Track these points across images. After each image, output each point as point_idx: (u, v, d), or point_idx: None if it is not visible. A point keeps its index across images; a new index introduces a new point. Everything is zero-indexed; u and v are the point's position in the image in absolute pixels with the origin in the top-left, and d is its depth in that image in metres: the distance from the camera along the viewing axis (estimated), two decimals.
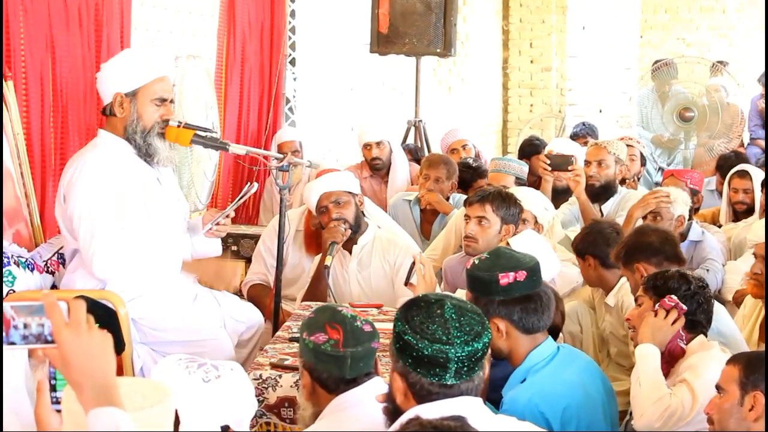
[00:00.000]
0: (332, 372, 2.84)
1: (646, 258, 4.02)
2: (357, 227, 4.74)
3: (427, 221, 6.07)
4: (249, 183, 4.47)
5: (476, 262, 3.21)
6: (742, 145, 9.07)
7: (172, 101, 4.32)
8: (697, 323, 3.38)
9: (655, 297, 3.40)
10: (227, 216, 4.43)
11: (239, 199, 4.44)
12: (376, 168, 6.61)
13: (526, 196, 5.00)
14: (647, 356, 3.30)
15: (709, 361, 3.20)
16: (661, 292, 3.39)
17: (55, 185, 4.65)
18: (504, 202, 4.57)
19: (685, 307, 3.33)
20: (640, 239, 4.13)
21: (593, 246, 4.48)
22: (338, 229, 4.61)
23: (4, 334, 1.87)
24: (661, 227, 4.49)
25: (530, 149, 7.51)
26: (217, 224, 4.40)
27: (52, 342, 1.88)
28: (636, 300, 3.53)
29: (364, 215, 4.87)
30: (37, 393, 2.04)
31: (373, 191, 6.58)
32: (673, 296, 3.35)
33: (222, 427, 2.58)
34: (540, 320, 3.13)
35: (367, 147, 6.63)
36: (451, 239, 5.53)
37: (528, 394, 3.00)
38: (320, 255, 4.71)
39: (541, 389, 3.02)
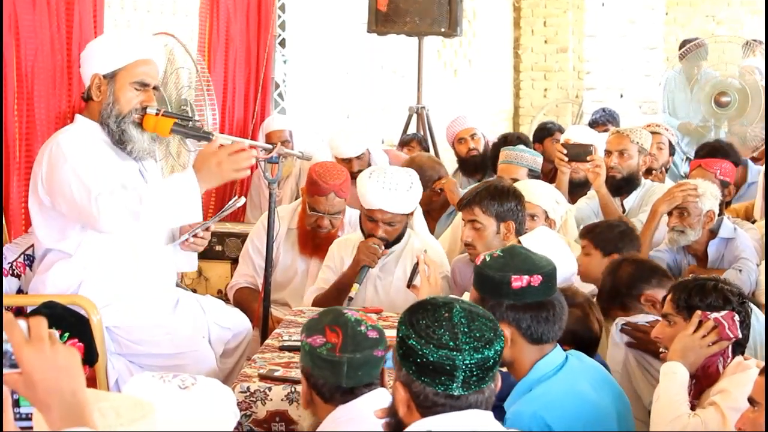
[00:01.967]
0: (328, 379, 2.85)
1: (646, 284, 4.02)
2: (396, 241, 4.73)
3: (432, 219, 6.08)
4: (237, 196, 4.48)
5: (487, 259, 3.15)
6: None
7: (155, 88, 4.30)
8: (737, 344, 3.35)
9: (689, 316, 3.36)
10: (207, 228, 4.42)
11: (222, 212, 4.44)
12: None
13: (535, 189, 4.98)
14: (673, 375, 3.28)
15: (743, 384, 3.16)
16: (699, 310, 3.34)
17: (20, 179, 4.65)
18: (493, 198, 4.49)
19: (740, 335, 3.29)
20: (627, 271, 4.11)
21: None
22: (377, 252, 4.59)
23: None
24: (629, 255, 4.45)
25: (543, 133, 7.54)
26: (195, 236, 4.39)
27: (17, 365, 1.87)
28: (665, 317, 3.47)
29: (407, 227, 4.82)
30: None
31: (354, 200, 6.45)
32: (736, 318, 3.30)
33: None
34: (550, 331, 3.09)
35: (345, 161, 6.51)
36: (458, 237, 5.51)
37: (534, 406, 2.98)
38: (327, 252, 4.80)
39: (548, 401, 2.99)
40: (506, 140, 7.14)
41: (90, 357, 3.97)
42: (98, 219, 3.94)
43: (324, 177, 5.03)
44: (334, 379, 2.84)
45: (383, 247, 4.62)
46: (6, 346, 1.87)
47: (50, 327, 2.66)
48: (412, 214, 4.79)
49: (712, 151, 6.74)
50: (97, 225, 3.98)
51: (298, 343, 3.94)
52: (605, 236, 4.65)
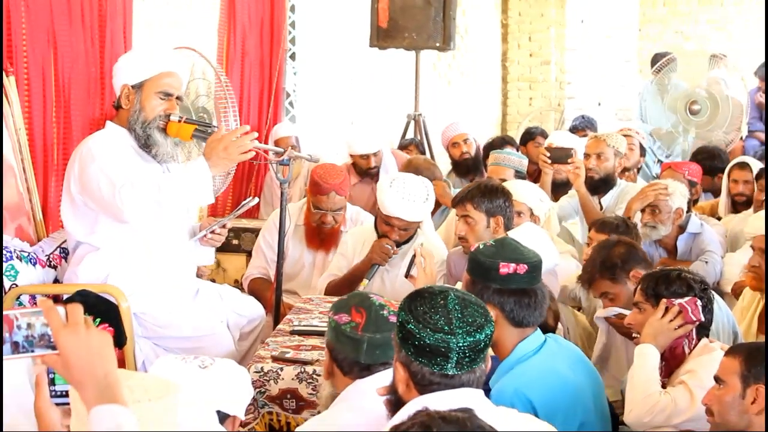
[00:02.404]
0: (348, 354, 2.85)
1: (638, 264, 4.02)
2: (405, 243, 4.73)
3: None
4: (251, 197, 4.48)
5: (481, 247, 3.21)
6: (740, 137, 9.06)
7: (179, 98, 4.30)
8: (701, 327, 3.36)
9: (657, 303, 3.37)
10: (223, 226, 4.42)
11: (237, 210, 4.44)
12: (372, 175, 6.55)
13: (520, 188, 4.99)
14: (646, 355, 3.29)
15: (709, 365, 3.18)
16: (665, 297, 3.35)
17: (57, 180, 4.65)
18: (483, 195, 4.50)
19: (702, 318, 3.31)
20: (624, 248, 4.09)
21: None
22: (389, 252, 4.61)
23: (6, 334, 1.87)
24: (625, 238, 4.42)
25: (527, 137, 7.60)
26: (212, 232, 4.39)
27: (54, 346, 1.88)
28: (636, 305, 3.48)
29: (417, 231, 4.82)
30: (36, 387, 2.04)
31: (366, 198, 6.46)
32: (698, 303, 3.31)
33: (219, 415, 2.59)
34: (531, 316, 3.12)
35: (364, 158, 6.56)
36: (452, 232, 5.53)
37: (516, 383, 3.00)
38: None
39: (529, 379, 3.01)
40: (493, 144, 7.17)
41: (119, 340, 3.97)
42: (123, 210, 3.95)
43: (324, 178, 5.03)
44: (354, 355, 2.84)
45: (395, 248, 4.62)
46: (46, 329, 1.88)
47: (84, 313, 2.69)
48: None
49: (709, 156, 6.77)
50: (123, 216, 3.99)
51: (308, 328, 3.97)
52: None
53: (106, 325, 3.87)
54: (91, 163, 4.03)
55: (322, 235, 5.17)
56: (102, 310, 3.94)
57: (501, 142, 7.33)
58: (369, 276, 4.58)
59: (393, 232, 4.63)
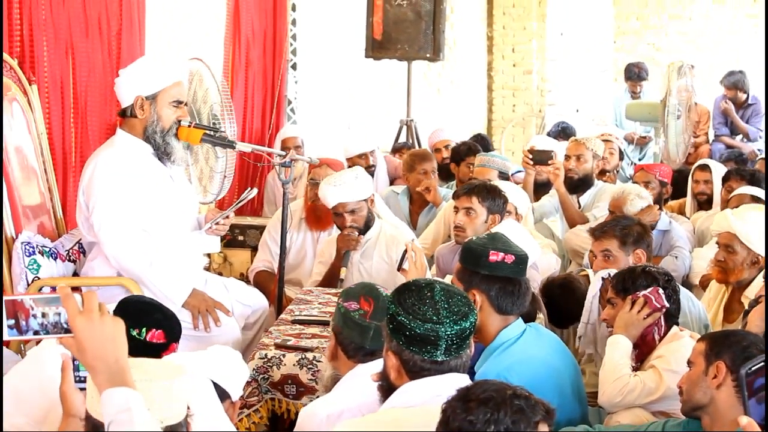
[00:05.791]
0: (354, 339, 2.88)
1: (645, 247, 4.15)
2: (367, 228, 4.74)
3: (415, 212, 6.12)
4: (249, 188, 4.50)
5: (474, 238, 3.27)
6: (707, 141, 9.10)
7: (186, 104, 4.32)
8: (669, 315, 3.39)
9: (626, 297, 3.40)
10: (227, 217, 4.44)
11: (239, 203, 4.47)
12: (373, 174, 6.57)
13: (509, 190, 5.01)
14: (617, 344, 3.33)
15: (678, 350, 3.21)
16: (631, 292, 3.39)
17: (76, 180, 4.66)
18: (489, 193, 4.57)
19: (667, 304, 3.34)
20: (639, 228, 4.18)
21: None
22: (353, 238, 4.63)
23: (23, 321, 1.89)
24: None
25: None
26: (217, 223, 4.41)
27: (68, 330, 1.89)
28: (609, 302, 3.52)
29: (372, 212, 4.85)
30: (62, 372, 2.05)
31: None
32: (660, 291, 3.34)
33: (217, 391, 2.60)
34: (514, 304, 3.15)
35: (361, 157, 6.58)
36: (441, 229, 5.56)
37: (498, 368, 3.01)
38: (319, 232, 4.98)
39: (511, 364, 3.03)
40: (459, 151, 6.93)
41: None
42: (104, 244, 4.11)
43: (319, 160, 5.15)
44: (359, 341, 2.87)
45: (357, 233, 4.66)
46: (57, 317, 1.90)
47: None
48: (371, 201, 4.81)
49: None
50: (103, 247, 4.12)
51: (308, 317, 3.99)
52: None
53: (117, 318, 3.85)
54: (94, 193, 4.09)
55: (318, 213, 5.16)
56: None
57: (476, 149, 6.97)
58: (345, 263, 4.64)
59: (346, 220, 4.67)
